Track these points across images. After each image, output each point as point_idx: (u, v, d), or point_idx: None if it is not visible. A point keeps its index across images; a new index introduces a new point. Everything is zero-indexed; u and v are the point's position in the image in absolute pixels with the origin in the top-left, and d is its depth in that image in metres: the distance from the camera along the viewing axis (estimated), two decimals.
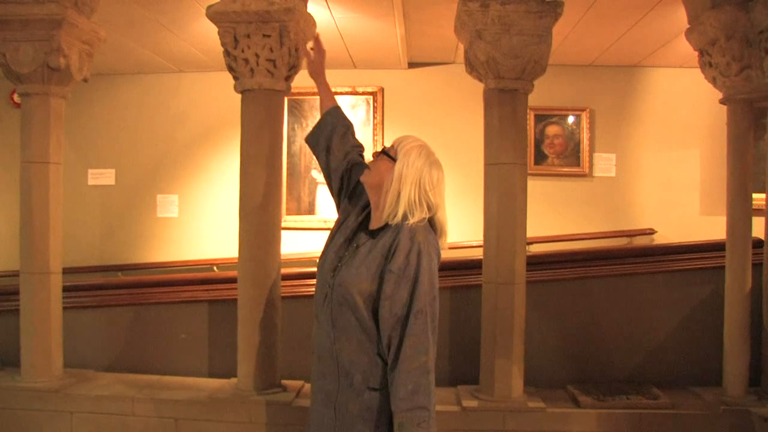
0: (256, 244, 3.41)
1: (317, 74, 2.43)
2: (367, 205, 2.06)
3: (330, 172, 2.27)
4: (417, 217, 1.88)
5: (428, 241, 1.88)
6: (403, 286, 1.83)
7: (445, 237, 1.98)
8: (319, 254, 2.10)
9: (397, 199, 1.90)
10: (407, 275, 1.83)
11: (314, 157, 2.37)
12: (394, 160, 1.94)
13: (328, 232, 2.12)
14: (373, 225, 2.00)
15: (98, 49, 3.80)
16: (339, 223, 2.12)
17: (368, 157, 2.24)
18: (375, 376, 1.89)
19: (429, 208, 1.92)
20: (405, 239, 1.86)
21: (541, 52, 3.34)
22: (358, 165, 2.22)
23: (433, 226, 1.95)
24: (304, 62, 3.55)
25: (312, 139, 2.34)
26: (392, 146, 1.99)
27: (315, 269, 4.29)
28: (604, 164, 5.66)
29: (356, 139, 2.34)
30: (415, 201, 1.89)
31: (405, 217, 1.89)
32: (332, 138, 2.26)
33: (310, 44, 2.46)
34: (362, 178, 2.04)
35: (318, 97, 2.46)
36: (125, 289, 4.20)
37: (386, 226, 1.93)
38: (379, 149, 2.03)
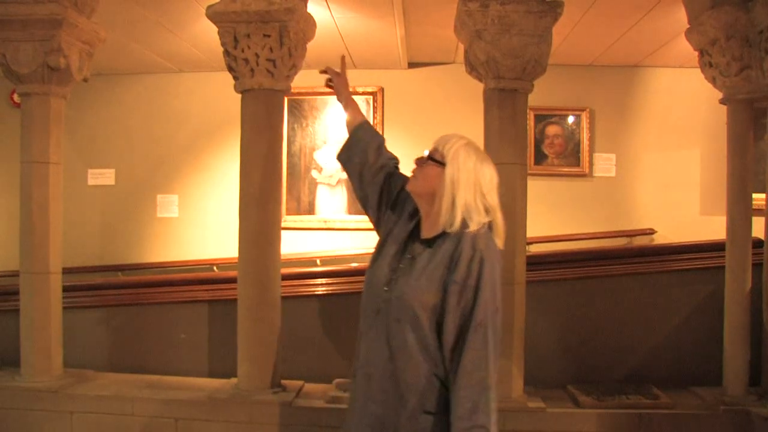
0: (256, 244, 3.41)
1: (341, 89, 2.35)
2: (415, 213, 1.95)
3: (365, 186, 2.15)
4: (476, 222, 1.78)
5: (490, 248, 1.78)
6: (465, 297, 1.74)
7: (502, 238, 1.85)
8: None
9: (452, 206, 1.79)
10: (469, 285, 1.73)
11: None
12: (441, 164, 1.83)
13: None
14: (427, 234, 1.88)
15: (98, 49, 3.80)
16: (386, 234, 2.00)
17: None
18: (431, 399, 1.76)
19: (487, 211, 1.81)
20: (467, 247, 1.75)
21: (541, 52, 3.34)
22: (396, 176, 2.13)
23: (491, 229, 1.84)
24: (303, 62, 3.58)
25: (344, 155, 2.25)
26: (436, 149, 1.87)
27: (316, 269, 4.28)
28: (604, 164, 5.65)
29: (390, 152, 2.23)
30: (472, 206, 1.79)
31: (464, 224, 1.78)
32: (367, 152, 2.16)
33: (333, 70, 2.41)
34: (408, 187, 1.93)
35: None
36: (125, 289, 4.20)
37: (444, 234, 1.82)
38: (424, 155, 1.90)
